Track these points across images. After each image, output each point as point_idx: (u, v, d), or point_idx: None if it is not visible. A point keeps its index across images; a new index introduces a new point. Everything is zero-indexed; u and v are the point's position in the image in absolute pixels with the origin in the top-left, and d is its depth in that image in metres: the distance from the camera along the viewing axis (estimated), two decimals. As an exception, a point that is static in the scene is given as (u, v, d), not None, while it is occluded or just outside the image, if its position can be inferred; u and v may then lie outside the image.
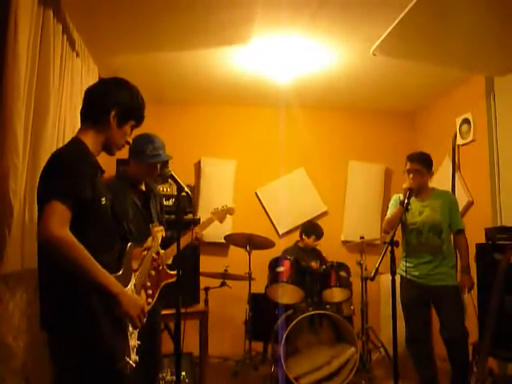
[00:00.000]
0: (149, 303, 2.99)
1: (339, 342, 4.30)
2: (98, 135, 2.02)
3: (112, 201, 2.07)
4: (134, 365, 1.96)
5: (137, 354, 2.02)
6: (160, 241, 2.80)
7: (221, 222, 3.61)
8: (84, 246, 1.76)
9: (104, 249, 1.91)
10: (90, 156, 1.96)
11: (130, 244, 2.13)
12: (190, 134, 5.72)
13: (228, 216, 3.70)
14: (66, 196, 1.76)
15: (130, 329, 1.97)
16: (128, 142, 2.14)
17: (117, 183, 3.03)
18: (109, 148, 2.09)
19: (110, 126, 2.01)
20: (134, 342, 2.01)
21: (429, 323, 3.82)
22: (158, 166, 3.01)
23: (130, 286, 2.05)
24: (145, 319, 1.97)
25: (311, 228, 5.21)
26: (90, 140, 1.99)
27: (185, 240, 3.12)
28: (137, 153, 2.99)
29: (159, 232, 2.78)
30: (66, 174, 1.82)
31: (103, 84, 2.16)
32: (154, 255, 2.69)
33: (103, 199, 1.94)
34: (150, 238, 2.71)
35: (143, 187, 3.13)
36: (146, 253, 2.62)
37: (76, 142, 1.98)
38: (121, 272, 1.96)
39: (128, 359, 1.93)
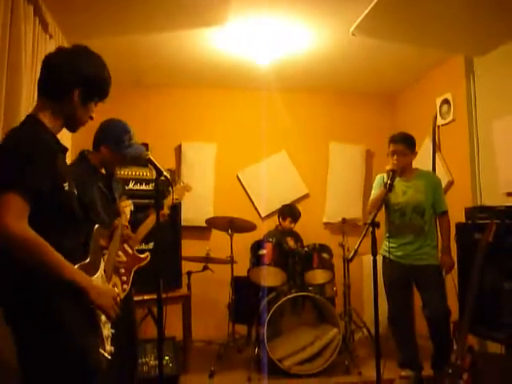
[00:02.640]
0: (124, 289, 2.94)
1: (322, 323, 4.33)
2: (59, 112, 1.83)
3: (78, 186, 1.95)
4: (110, 356, 1.83)
5: (111, 344, 1.88)
6: (129, 215, 2.66)
7: (180, 199, 3.51)
8: (46, 232, 1.63)
9: (68, 235, 1.79)
10: (48, 137, 1.78)
11: (96, 226, 1.99)
12: (170, 117, 5.65)
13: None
14: (24, 187, 1.61)
15: (103, 318, 1.84)
16: (91, 117, 1.94)
17: (81, 168, 2.87)
18: (70, 126, 1.91)
19: (72, 103, 1.83)
20: (107, 331, 1.88)
21: (411, 302, 3.86)
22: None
23: (100, 272, 1.92)
24: (118, 308, 1.86)
25: (287, 210, 5.22)
26: (49, 117, 1.81)
27: (151, 221, 3.06)
28: (114, 141, 2.86)
29: (127, 207, 2.66)
30: (23, 161, 1.64)
31: (67, 56, 1.88)
32: (124, 231, 2.52)
33: (66, 184, 1.78)
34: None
35: (103, 170, 2.99)
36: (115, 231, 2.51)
37: (32, 121, 1.79)
38: (88, 260, 1.83)
39: (102, 351, 1.81)
